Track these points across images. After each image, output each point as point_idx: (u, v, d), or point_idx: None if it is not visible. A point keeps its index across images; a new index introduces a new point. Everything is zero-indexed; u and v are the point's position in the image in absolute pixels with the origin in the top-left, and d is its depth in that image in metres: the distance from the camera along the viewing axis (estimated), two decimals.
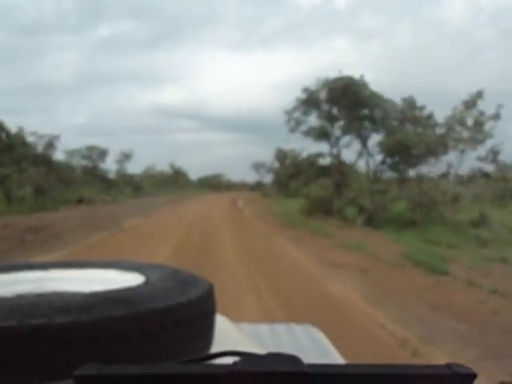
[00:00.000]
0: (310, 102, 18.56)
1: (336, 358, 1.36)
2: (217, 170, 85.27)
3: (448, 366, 0.49)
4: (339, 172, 18.66)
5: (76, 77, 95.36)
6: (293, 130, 19.24)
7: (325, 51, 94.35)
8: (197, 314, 0.76)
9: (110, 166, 45.08)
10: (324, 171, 20.55)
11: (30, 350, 0.60)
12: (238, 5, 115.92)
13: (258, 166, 60.77)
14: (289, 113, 19.03)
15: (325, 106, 18.53)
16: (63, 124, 76.51)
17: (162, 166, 68.89)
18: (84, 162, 36.68)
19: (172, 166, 70.73)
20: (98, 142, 55.63)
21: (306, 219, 17.78)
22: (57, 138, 24.42)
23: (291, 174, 41.20)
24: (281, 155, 44.22)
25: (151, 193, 46.12)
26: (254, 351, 0.55)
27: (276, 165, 46.95)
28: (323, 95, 18.27)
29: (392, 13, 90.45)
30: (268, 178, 56.33)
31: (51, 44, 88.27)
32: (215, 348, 0.81)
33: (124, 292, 0.74)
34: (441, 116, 16.38)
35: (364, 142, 18.47)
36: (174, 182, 67.04)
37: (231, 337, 1.02)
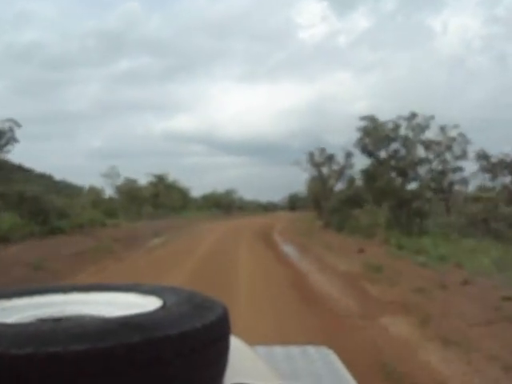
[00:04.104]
0: None
1: (348, 381, 1.40)
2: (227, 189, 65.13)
3: None
4: None
5: (96, 106, 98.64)
6: None
7: (325, 81, 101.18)
8: (211, 340, 0.77)
9: None
10: None
11: (46, 379, 0.60)
12: (247, 41, 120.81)
13: (319, 163, 28.94)
14: None
15: None
16: (82, 148, 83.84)
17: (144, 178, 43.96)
18: None
19: (159, 177, 45.71)
20: (113, 163, 56.13)
21: None
22: None
23: None
24: (370, 133, 17.98)
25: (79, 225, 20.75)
26: (269, 376, 0.61)
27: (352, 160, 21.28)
28: None
29: (388, 48, 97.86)
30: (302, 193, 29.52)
31: (74, 77, 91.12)
32: (230, 373, 0.82)
33: (139, 318, 0.75)
34: None
35: None
36: (162, 200, 42.49)
37: (246, 361, 1.02)
